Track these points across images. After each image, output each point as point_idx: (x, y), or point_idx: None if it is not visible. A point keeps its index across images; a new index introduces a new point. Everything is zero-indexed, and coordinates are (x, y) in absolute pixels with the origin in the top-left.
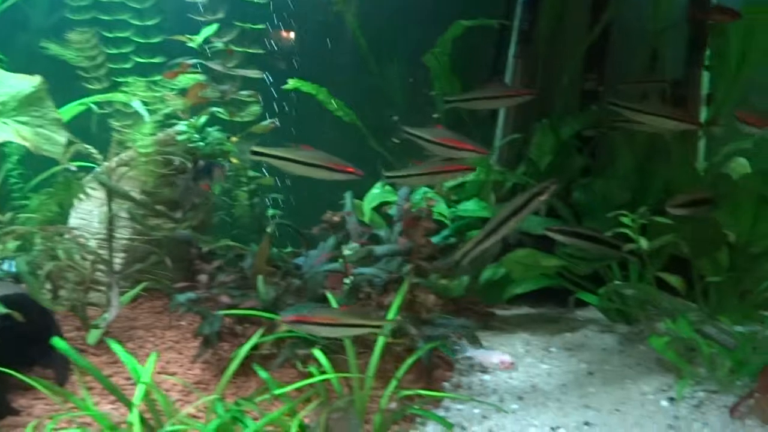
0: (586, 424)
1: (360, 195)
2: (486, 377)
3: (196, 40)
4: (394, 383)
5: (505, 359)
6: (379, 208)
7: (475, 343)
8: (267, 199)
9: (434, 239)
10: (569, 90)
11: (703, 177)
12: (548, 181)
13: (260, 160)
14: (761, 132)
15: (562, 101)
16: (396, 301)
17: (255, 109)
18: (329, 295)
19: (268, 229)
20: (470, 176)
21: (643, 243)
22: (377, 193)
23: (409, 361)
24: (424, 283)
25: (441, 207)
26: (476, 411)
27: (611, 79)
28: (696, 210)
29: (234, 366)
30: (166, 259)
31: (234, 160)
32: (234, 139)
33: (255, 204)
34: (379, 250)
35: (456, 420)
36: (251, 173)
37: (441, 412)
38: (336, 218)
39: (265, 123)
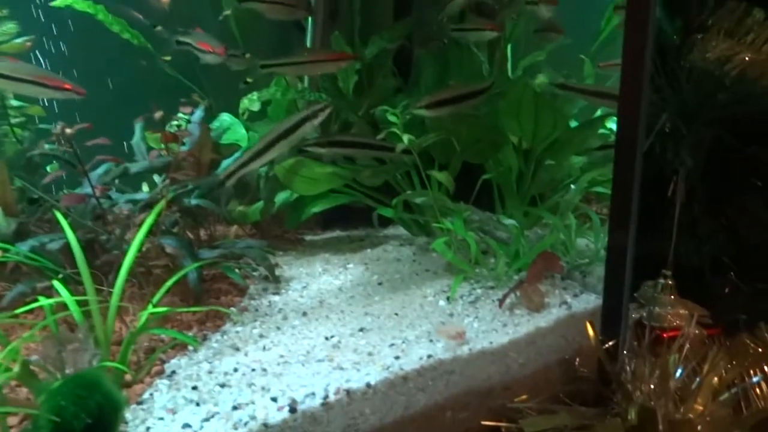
0: (361, 330)
1: None
2: (276, 298)
3: None
4: (149, 309)
5: (459, 330)
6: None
7: (265, 262)
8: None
9: (225, 163)
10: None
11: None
12: (320, 104)
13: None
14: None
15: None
16: (148, 219)
17: (10, 27)
18: (56, 213)
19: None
20: (268, 95)
21: (405, 139)
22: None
23: (168, 283)
24: (213, 209)
25: (238, 131)
26: (255, 331)
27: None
28: (454, 107)
29: None
30: None
31: None
32: None
33: (24, 138)
34: (133, 167)
35: (231, 342)
36: (14, 102)
37: (217, 336)
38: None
39: (18, 41)
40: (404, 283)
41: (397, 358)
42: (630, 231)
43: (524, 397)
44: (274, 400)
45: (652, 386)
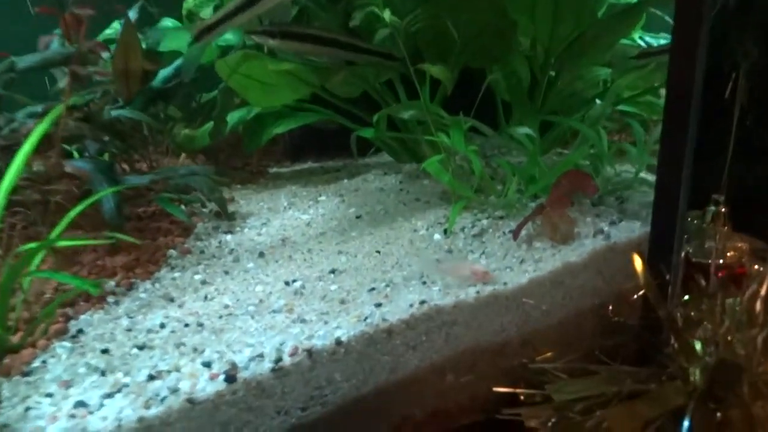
0: (333, 272)
1: None
2: (228, 237)
3: None
4: (32, 245)
5: (478, 269)
6: None
7: (213, 193)
8: None
9: (163, 73)
10: None
11: None
12: None
13: None
14: None
15: None
16: (38, 128)
17: None
18: None
19: None
20: None
21: (387, 16)
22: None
23: (72, 212)
24: (145, 121)
25: (180, 37)
26: (197, 277)
27: None
28: None
29: None
30: None
31: None
32: None
33: None
34: (22, 61)
35: (164, 292)
36: None
37: (147, 285)
38: None
39: None
40: (389, 215)
41: (378, 305)
42: (688, 137)
43: (549, 354)
44: (206, 365)
45: (728, 336)
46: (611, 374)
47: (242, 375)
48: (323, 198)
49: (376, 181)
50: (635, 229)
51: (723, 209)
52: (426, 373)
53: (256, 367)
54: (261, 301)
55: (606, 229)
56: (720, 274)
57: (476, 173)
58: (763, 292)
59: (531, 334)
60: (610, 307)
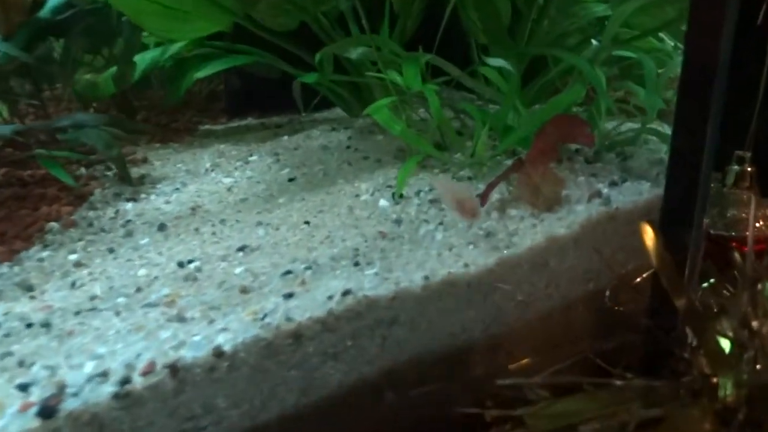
0: (242, 249)
1: None
2: (128, 206)
3: None
4: None
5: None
6: None
7: (109, 150)
8: None
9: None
10: None
11: None
12: None
13: None
14: None
15: None
16: None
17: None
18: None
19: None
20: None
21: None
22: None
23: None
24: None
25: None
26: (72, 257)
27: None
28: None
29: None
30: None
31: None
32: None
33: None
34: None
35: (23, 277)
36: None
37: (3, 269)
38: None
39: None
40: (328, 177)
41: (288, 296)
42: (718, 72)
43: (526, 361)
44: (23, 388)
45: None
46: (611, 393)
47: (68, 405)
48: (254, 158)
49: (321, 138)
50: (643, 191)
51: (749, 169)
52: (354, 393)
53: (92, 392)
54: (139, 289)
55: (605, 191)
56: (755, 250)
57: (435, 119)
58: None
59: (503, 334)
60: (607, 293)
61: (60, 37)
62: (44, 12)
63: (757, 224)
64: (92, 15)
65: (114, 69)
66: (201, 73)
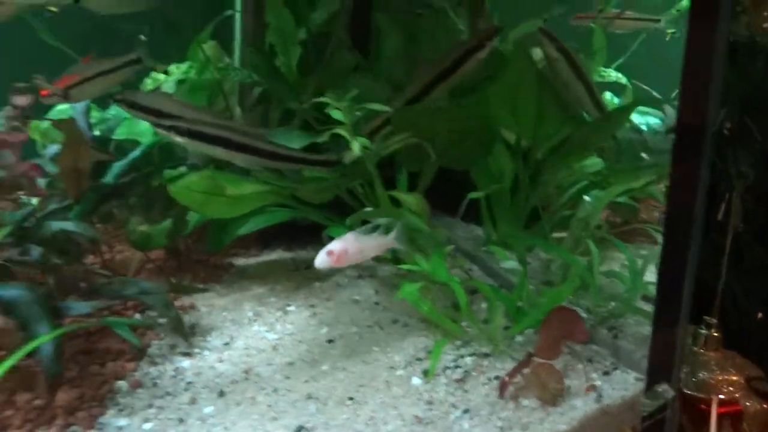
0: (300, 430)
1: None
2: (185, 363)
3: None
4: None
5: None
6: None
7: (168, 312)
8: None
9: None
10: None
11: None
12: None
13: None
14: None
15: None
16: None
17: None
18: None
19: None
20: (180, 75)
21: (356, 148)
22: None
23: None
24: (87, 235)
25: (136, 123)
26: (147, 426)
27: None
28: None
29: None
30: None
31: None
32: None
33: None
34: None
35: None
36: None
37: None
38: None
39: None
40: (363, 342)
41: None
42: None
43: None
44: None
45: None
46: None
47: None
48: (292, 308)
49: (350, 288)
50: (628, 383)
51: (715, 333)
52: None
53: None
54: None
55: (598, 383)
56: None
57: (462, 308)
58: None
59: None
60: None
61: (121, 199)
62: (109, 177)
63: (728, 389)
64: (150, 178)
65: (167, 223)
66: (243, 230)
